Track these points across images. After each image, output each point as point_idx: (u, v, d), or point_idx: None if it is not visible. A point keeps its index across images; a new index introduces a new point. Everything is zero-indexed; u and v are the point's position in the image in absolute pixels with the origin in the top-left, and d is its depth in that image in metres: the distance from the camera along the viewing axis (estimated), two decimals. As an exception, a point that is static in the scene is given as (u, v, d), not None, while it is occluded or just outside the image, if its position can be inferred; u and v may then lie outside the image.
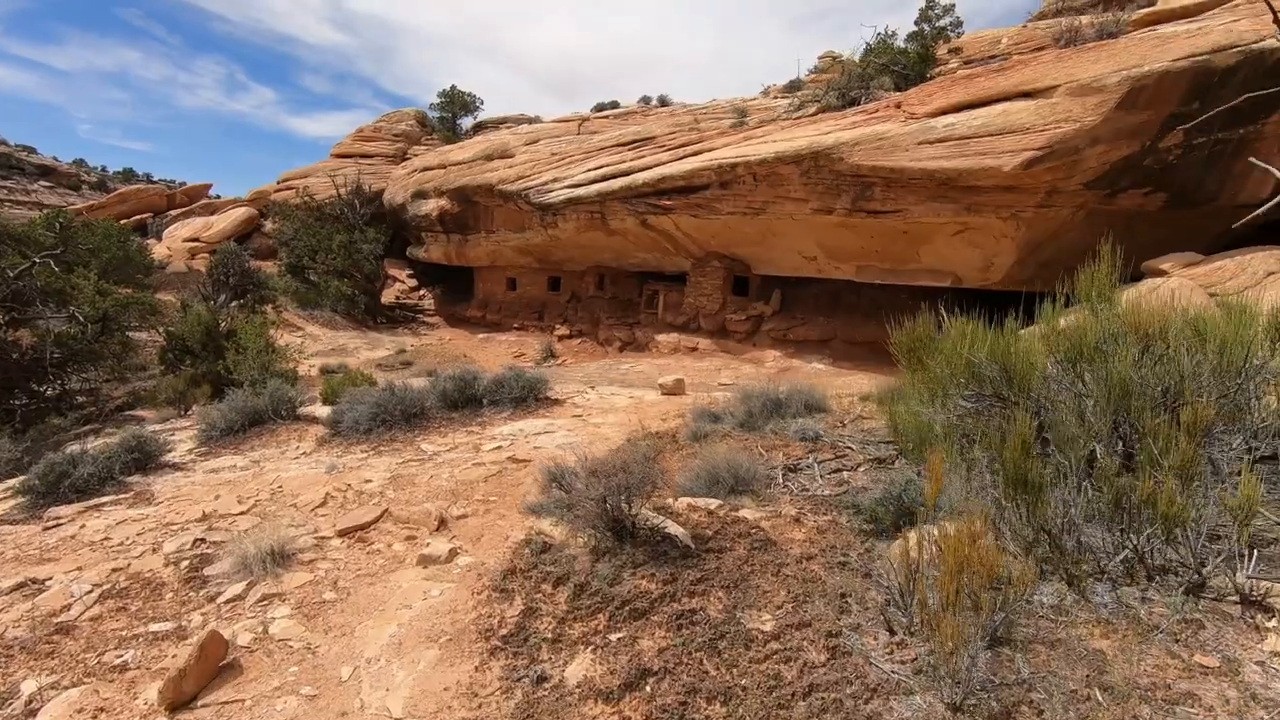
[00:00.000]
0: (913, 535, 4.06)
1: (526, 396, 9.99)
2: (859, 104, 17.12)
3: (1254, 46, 10.63)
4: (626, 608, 3.56)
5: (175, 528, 5.68)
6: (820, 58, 38.79)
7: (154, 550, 5.18)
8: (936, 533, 3.51)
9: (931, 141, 11.90)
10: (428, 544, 4.86)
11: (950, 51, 22.59)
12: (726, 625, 3.36)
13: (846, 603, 3.49)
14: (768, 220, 16.47)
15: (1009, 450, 3.61)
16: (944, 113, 12.19)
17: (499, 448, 8.09)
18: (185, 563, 4.85)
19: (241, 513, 5.95)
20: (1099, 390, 4.45)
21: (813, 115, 17.53)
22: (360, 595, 4.19)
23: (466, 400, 10.12)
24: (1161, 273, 11.03)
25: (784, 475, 5.78)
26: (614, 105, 36.99)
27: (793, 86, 30.02)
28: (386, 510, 5.55)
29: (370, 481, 6.65)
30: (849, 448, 6.66)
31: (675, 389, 11.27)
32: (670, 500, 5.01)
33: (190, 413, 16.28)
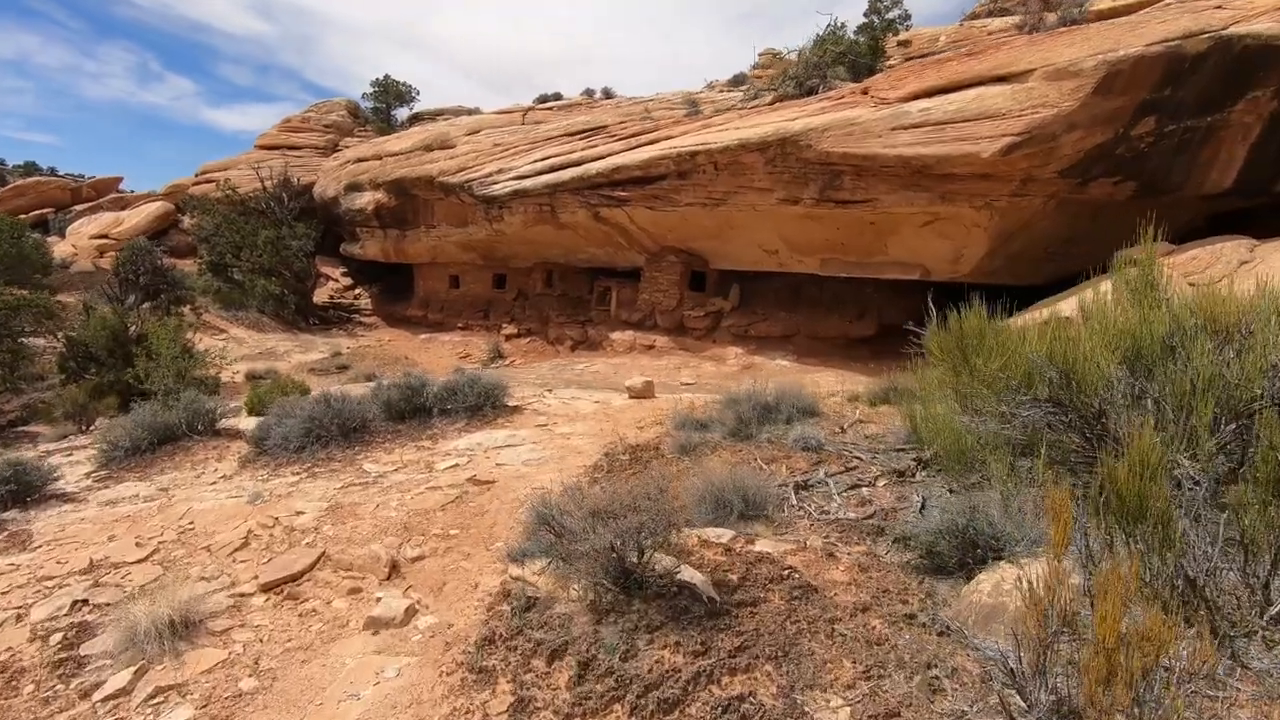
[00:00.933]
0: (991, 579, 3.35)
1: (483, 404, 9.02)
2: (817, 93, 16.64)
3: (1224, 33, 10.46)
4: (651, 695, 2.72)
5: (52, 583, 4.56)
6: (760, 54, 38.59)
7: (18, 618, 4.08)
8: (1036, 577, 2.78)
9: (906, 127, 11.40)
10: (377, 598, 3.92)
11: (899, 44, 22.45)
12: (788, 718, 2.56)
13: (936, 678, 2.72)
14: (728, 212, 15.81)
15: (1123, 470, 2.90)
16: (916, 97, 11.72)
17: (456, 466, 7.14)
18: (57, 637, 3.78)
19: (139, 560, 4.85)
20: (1173, 391, 3.82)
21: (770, 104, 16.96)
22: (291, 680, 3.22)
23: (414, 410, 9.10)
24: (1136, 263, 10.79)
25: (796, 494, 5.03)
26: (557, 97, 35.92)
27: (737, 81, 29.61)
28: (324, 554, 4.56)
29: (303, 514, 5.62)
30: (858, 458, 5.96)
31: (644, 392, 10.47)
32: (675, 534, 4.18)
33: (93, 428, 14.66)
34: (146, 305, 19.58)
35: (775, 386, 8.29)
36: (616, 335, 20.37)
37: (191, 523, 5.71)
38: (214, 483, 8.06)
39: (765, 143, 13.27)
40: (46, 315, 17.57)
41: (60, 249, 35.39)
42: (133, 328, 18.42)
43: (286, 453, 8.36)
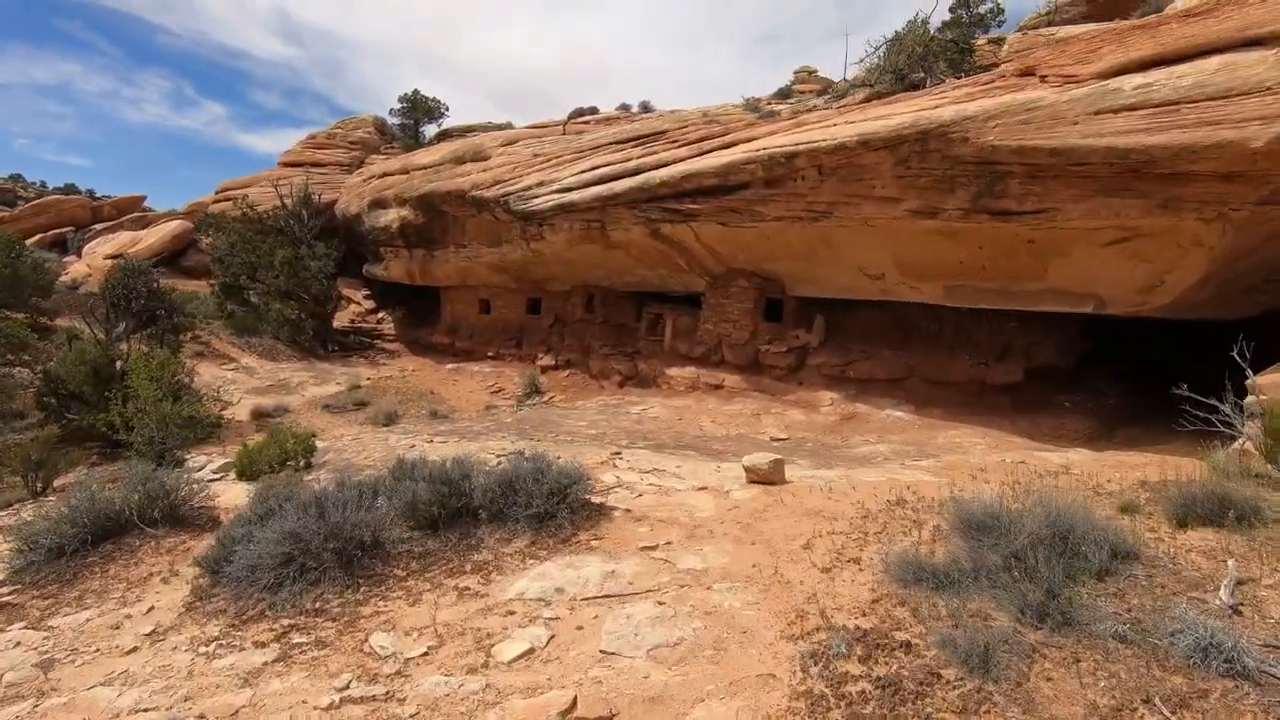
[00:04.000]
0: None
1: (555, 509, 5.72)
2: (923, 87, 13.43)
3: None
4: None
5: None
6: (796, 71, 35.92)
7: None
8: None
9: (1117, 110, 8.13)
10: None
11: (990, 43, 19.29)
12: None
13: None
14: (827, 228, 12.55)
15: None
16: (1120, 72, 8.46)
17: (531, 653, 3.83)
18: None
19: None
20: None
21: (863, 102, 13.75)
22: None
23: (453, 515, 5.83)
24: None
25: None
26: (593, 111, 32.95)
27: (783, 94, 26.53)
28: None
29: None
30: None
31: (771, 475, 7.14)
32: None
33: (51, 493, 11.59)
34: (143, 334, 16.60)
35: (1040, 505, 4.95)
36: (674, 371, 17.07)
37: None
38: (132, 650, 4.87)
39: (898, 137, 10.03)
40: (18, 346, 14.62)
41: (75, 269, 32.85)
42: (121, 362, 15.34)
43: (254, 591, 5.13)
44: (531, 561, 5.23)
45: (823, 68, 29.16)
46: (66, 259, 34.87)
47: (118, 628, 5.09)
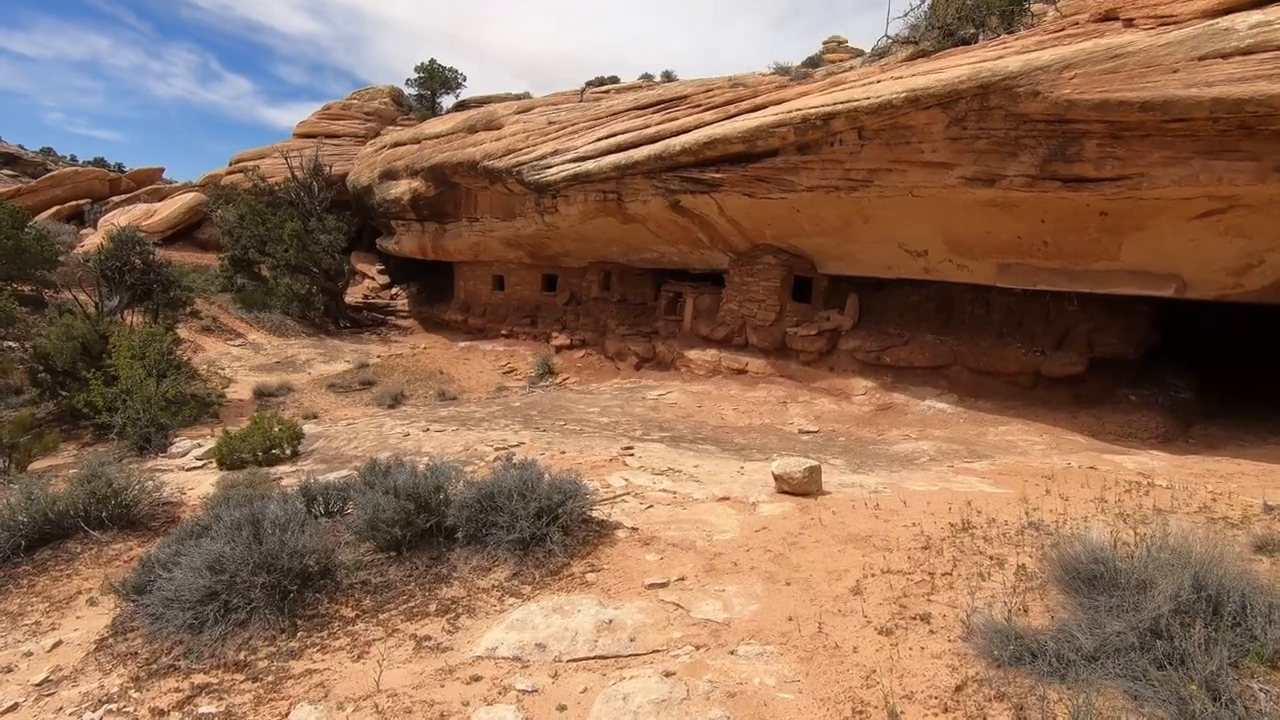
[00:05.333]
0: None
1: (544, 531, 4.64)
2: (974, 43, 11.95)
3: None
4: None
5: None
6: (825, 42, 34.21)
7: None
8: None
9: (1227, 54, 6.75)
10: None
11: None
12: None
13: None
14: (865, 199, 11.23)
15: None
16: (1232, 9, 7.04)
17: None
18: None
19: None
20: None
21: (905, 60, 12.29)
22: None
23: (423, 535, 4.79)
24: None
25: None
26: (614, 80, 31.48)
27: (812, 63, 24.96)
28: None
29: None
30: None
31: (806, 485, 6.00)
32: None
33: (22, 475, 10.71)
34: (139, 308, 15.76)
35: (1163, 549, 3.78)
36: (694, 354, 15.90)
37: None
38: (8, 711, 3.91)
39: (953, 93, 8.68)
40: (5, 319, 13.85)
41: (90, 241, 32.32)
42: (116, 338, 14.51)
43: (172, 630, 4.13)
44: (511, 601, 4.17)
45: (853, 39, 27.39)
46: (84, 231, 34.37)
47: (10, 671, 4.14)
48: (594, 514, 5.44)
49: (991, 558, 4.39)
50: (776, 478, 6.18)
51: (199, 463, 10.19)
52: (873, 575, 4.28)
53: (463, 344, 22.72)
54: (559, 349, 20.40)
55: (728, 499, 6.15)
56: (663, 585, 4.29)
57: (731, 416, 12.43)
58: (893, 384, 12.09)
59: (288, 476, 8.94)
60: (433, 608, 4.16)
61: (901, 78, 9.64)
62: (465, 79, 36.76)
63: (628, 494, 6.45)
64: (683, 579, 4.38)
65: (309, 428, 11.79)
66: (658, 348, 17.39)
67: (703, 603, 4.06)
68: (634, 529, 5.24)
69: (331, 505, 5.82)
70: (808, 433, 10.91)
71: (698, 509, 5.87)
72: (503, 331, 22.54)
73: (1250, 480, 7.50)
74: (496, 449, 8.99)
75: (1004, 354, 11.20)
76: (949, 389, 11.47)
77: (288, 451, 9.91)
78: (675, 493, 6.54)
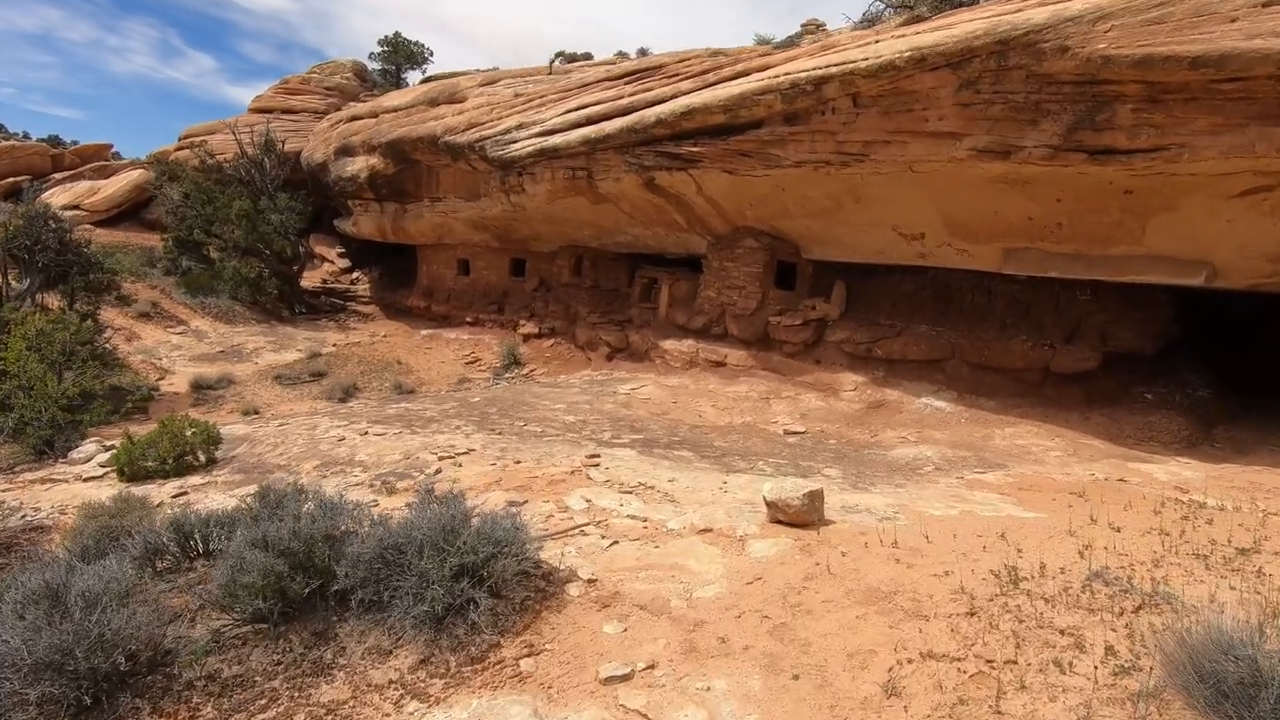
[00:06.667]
0: None
1: (465, 599, 3.40)
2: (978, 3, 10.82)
3: None
4: None
5: None
6: (804, 24, 33.11)
7: None
8: None
9: (1298, -2, 5.70)
10: None
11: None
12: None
13: None
14: (857, 176, 10.08)
15: None
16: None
17: None
18: None
19: None
20: None
21: (899, 26, 11.12)
22: None
23: (306, 600, 3.52)
24: None
25: None
26: (587, 57, 29.94)
27: (790, 41, 23.81)
28: None
29: None
30: None
31: (805, 516, 4.85)
32: None
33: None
34: (53, 292, 14.10)
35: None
36: (670, 345, 14.71)
37: None
38: None
39: (967, 50, 7.53)
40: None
41: (28, 220, 30.07)
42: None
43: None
44: (414, 708, 2.95)
45: (832, 24, 26.13)
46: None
47: None
48: (542, 555, 4.24)
49: (1064, 632, 3.27)
50: (770, 504, 5.01)
51: (101, 471, 8.78)
52: (909, 661, 3.13)
53: (425, 332, 21.27)
54: (527, 338, 19.06)
55: (710, 530, 4.97)
56: (625, 678, 3.10)
57: (710, 414, 11.29)
58: (885, 379, 11.01)
59: (194, 491, 7.62)
60: (300, 718, 2.93)
61: (905, 35, 8.46)
62: (432, 54, 34.98)
63: (588, 523, 5.25)
64: (653, 666, 3.20)
65: (238, 428, 10.39)
66: (631, 337, 16.17)
67: (680, 711, 2.88)
68: (591, 581, 4.04)
69: (213, 544, 4.53)
70: (794, 434, 9.79)
71: (673, 546, 4.69)
72: (468, 319, 21.13)
73: (1304, 496, 6.57)
74: (441, 457, 7.73)
75: (1008, 348, 10.16)
76: (946, 385, 10.42)
77: (202, 459, 8.54)
78: (646, 520, 5.35)
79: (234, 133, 24.27)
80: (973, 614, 3.50)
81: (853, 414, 10.57)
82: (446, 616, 3.34)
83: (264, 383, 16.25)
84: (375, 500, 6.14)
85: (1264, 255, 7.68)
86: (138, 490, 7.64)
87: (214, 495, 7.33)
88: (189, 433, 8.56)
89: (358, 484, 6.90)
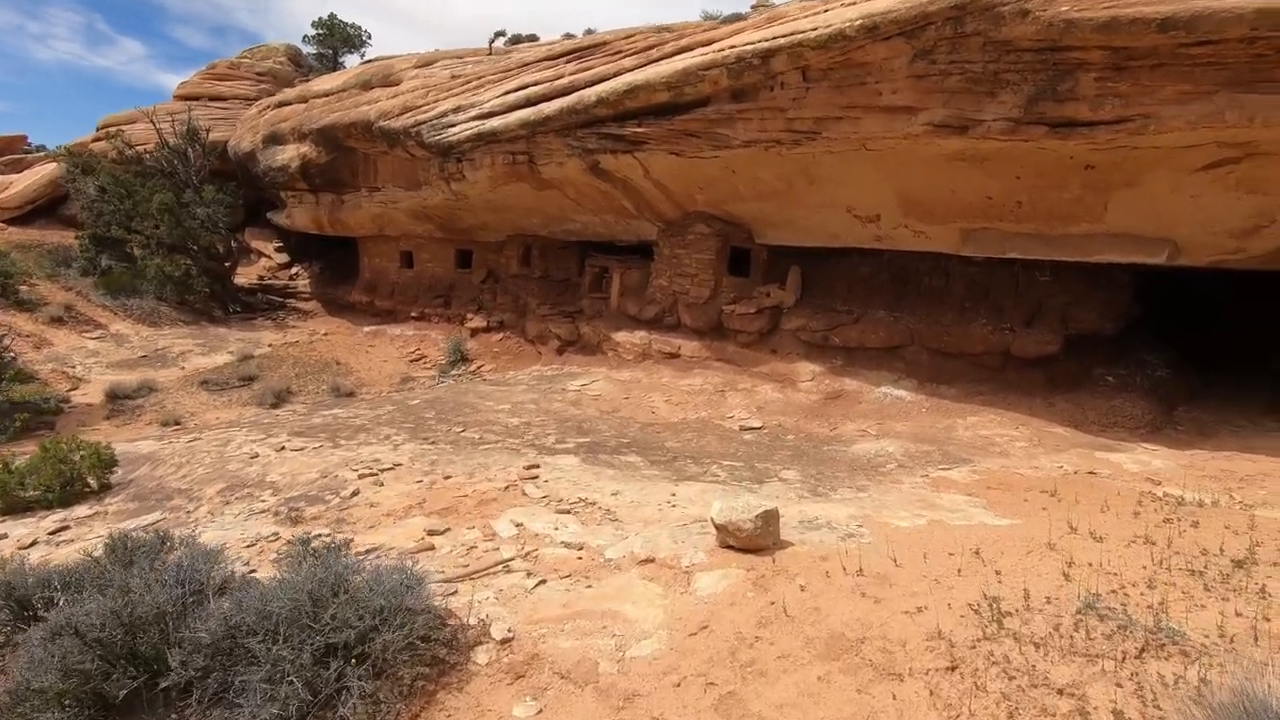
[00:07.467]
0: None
1: (336, 685, 2.69)
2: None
3: None
4: None
5: None
6: (754, 6, 32.47)
7: None
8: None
9: (1273, -48, 5.26)
10: None
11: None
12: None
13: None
14: (809, 156, 9.51)
15: None
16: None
17: None
18: None
19: None
20: None
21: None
22: None
23: (133, 699, 2.74)
24: None
25: None
26: (532, 39, 28.82)
27: (735, 18, 23.16)
28: None
29: None
30: None
31: (758, 540, 4.26)
32: None
33: None
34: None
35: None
36: (622, 336, 14.03)
37: None
38: None
39: (922, 16, 6.95)
40: None
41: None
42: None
43: None
44: None
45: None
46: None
47: None
48: (454, 602, 3.56)
49: (1062, 692, 2.73)
50: (719, 528, 4.39)
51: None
52: (883, 741, 2.55)
53: (368, 328, 20.17)
54: (475, 332, 18.16)
55: (652, 561, 4.34)
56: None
57: (663, 410, 10.68)
58: (843, 368, 10.53)
59: (78, 524, 6.67)
60: None
61: (855, 4, 7.86)
62: (370, 36, 33.34)
63: (515, 556, 4.56)
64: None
65: (143, 445, 9.38)
66: (582, 329, 15.44)
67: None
68: (506, 641, 3.36)
69: (59, 602, 3.73)
70: (750, 429, 9.24)
71: (609, 584, 4.04)
72: (413, 314, 20.08)
73: (1277, 484, 6.26)
74: (362, 474, 6.93)
75: (968, 332, 9.76)
76: (906, 373, 9.99)
77: (94, 485, 7.59)
78: (582, 548, 4.70)
79: (154, 121, 22.58)
80: (954, 669, 2.94)
81: (811, 406, 10.06)
82: (311, 711, 2.64)
83: (189, 389, 15.05)
84: (275, 533, 5.34)
85: (1227, 231, 7.35)
86: (10, 527, 6.71)
87: (101, 529, 6.43)
88: (77, 456, 7.58)
89: (262, 511, 6.08)
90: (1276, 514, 5.22)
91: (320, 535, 4.82)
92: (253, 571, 4.56)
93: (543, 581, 4.13)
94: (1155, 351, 9.65)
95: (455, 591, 3.96)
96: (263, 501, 6.43)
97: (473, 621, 3.52)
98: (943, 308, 10.26)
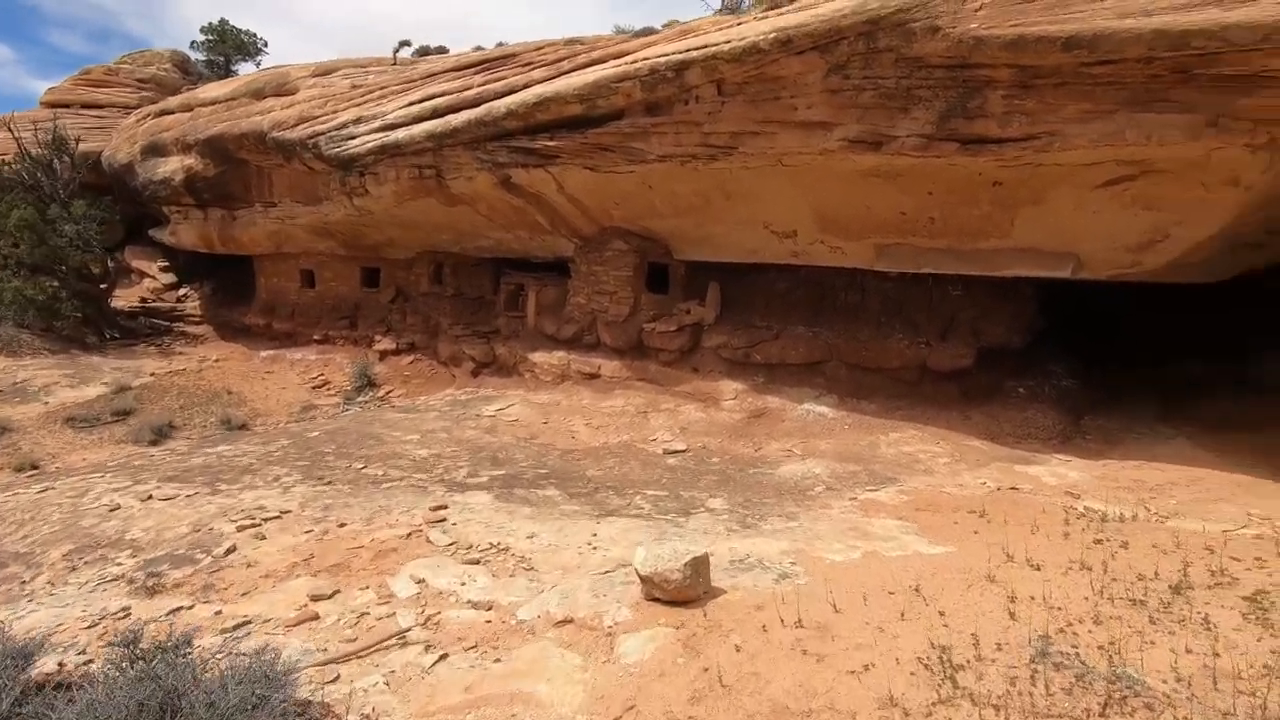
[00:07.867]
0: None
1: None
2: None
3: None
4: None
5: None
6: (665, 25, 32.81)
7: None
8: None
9: (1173, -24, 5.35)
10: None
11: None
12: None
13: None
14: (726, 171, 9.32)
15: None
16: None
17: None
18: None
19: None
20: None
21: (763, 10, 10.52)
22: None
23: None
24: None
25: None
26: (441, 50, 27.93)
27: (648, 31, 23.22)
28: None
29: None
30: None
31: (687, 589, 3.85)
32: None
33: None
34: None
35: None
36: (539, 357, 13.46)
37: None
38: None
39: (834, 31, 6.84)
40: None
41: None
42: None
43: None
44: None
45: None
46: None
47: None
48: (330, 695, 2.94)
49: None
50: (644, 579, 3.94)
51: None
52: None
53: (266, 353, 18.68)
54: (383, 355, 17.11)
55: (571, 621, 3.84)
56: None
57: (584, 434, 10.19)
58: (765, 385, 10.37)
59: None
60: None
61: (768, 17, 7.72)
62: (266, 44, 31.46)
63: (413, 624, 3.96)
64: None
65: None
66: (498, 350, 14.75)
67: None
68: (393, 746, 2.78)
69: None
70: (674, 453, 8.87)
71: (521, 656, 3.51)
72: (316, 337, 18.75)
73: (1184, 493, 6.38)
74: (242, 526, 6.09)
75: (885, 347, 9.78)
76: (828, 389, 9.91)
77: (-96, 553, 6.36)
78: (491, 608, 4.15)
79: (12, 130, 20.33)
80: None
81: (735, 425, 9.81)
82: None
83: (52, 427, 13.36)
84: (125, 609, 4.51)
85: (1125, 246, 7.60)
86: None
87: (-92, 609, 5.33)
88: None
89: (114, 579, 5.18)
90: (1190, 525, 5.27)
91: (167, 617, 4.06)
92: (88, 663, 3.78)
93: (444, 656, 3.56)
94: (1060, 362, 9.97)
95: (336, 677, 3.34)
96: (118, 565, 5.51)
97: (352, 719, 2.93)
98: (860, 323, 10.28)
